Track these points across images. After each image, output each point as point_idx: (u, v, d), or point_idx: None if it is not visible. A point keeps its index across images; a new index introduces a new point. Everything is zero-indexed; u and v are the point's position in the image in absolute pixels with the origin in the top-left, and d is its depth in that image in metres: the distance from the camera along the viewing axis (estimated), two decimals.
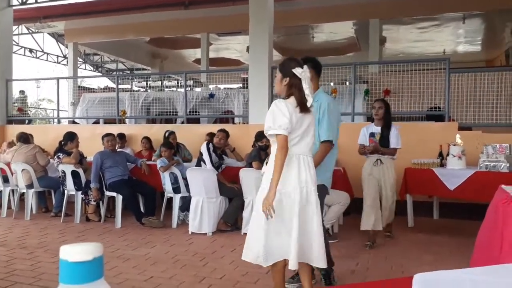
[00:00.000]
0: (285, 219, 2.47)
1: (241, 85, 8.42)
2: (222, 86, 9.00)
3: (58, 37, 13.88)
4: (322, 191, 2.95)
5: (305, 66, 2.54)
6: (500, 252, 2.25)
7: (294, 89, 2.52)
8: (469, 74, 6.57)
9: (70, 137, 5.89)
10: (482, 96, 6.32)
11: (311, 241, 2.52)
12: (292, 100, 2.51)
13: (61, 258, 0.55)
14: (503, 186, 2.74)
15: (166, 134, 6.59)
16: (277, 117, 2.46)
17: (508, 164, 4.57)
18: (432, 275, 1.17)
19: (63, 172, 5.72)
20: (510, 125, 6.12)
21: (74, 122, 9.39)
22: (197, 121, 8.26)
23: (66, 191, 5.73)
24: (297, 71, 2.51)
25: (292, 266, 2.44)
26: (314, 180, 2.56)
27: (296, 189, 2.47)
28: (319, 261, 2.53)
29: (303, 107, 2.51)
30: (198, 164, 5.25)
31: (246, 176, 4.85)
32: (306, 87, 2.51)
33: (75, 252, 0.54)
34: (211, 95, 8.00)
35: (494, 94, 6.26)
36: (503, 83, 6.24)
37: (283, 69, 2.57)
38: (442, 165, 5.13)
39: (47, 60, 16.14)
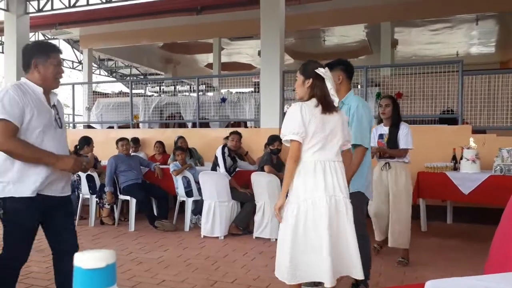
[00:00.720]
0: (313, 233, 2.32)
1: (252, 89, 8.45)
2: (234, 91, 9.04)
3: (73, 43, 14.11)
4: (357, 198, 2.82)
5: (326, 68, 2.50)
6: None
7: (316, 89, 2.44)
8: (483, 76, 6.48)
9: (86, 141, 5.99)
10: (497, 98, 6.22)
11: (347, 254, 2.36)
12: (312, 101, 2.42)
13: (75, 265, 0.57)
14: None
15: (176, 139, 6.68)
16: (288, 121, 2.39)
17: None
18: (443, 282, 1.16)
19: (78, 176, 5.81)
20: None
21: (89, 127, 9.54)
22: (207, 125, 8.32)
23: (81, 195, 5.83)
24: (320, 71, 2.44)
25: (329, 284, 2.28)
26: (343, 187, 2.41)
27: (323, 198, 2.32)
28: (358, 273, 2.38)
29: (326, 107, 2.40)
30: (214, 168, 5.30)
31: (258, 180, 4.87)
32: (330, 86, 2.44)
33: (88, 259, 0.57)
34: (223, 100, 8.05)
35: (509, 96, 6.17)
36: None
37: (304, 71, 2.50)
38: (456, 168, 5.08)
39: (62, 66, 16.40)
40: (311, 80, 2.45)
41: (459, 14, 9.38)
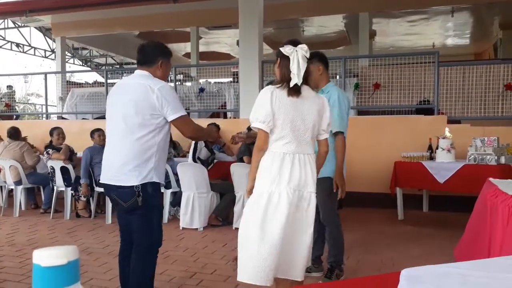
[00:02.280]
0: (269, 225, 2.18)
1: (231, 79, 8.37)
2: (212, 81, 8.94)
3: (46, 31, 13.66)
4: (326, 184, 2.97)
5: (300, 46, 2.26)
6: (489, 244, 2.27)
7: (284, 69, 2.26)
8: (458, 68, 6.60)
9: (50, 132, 5.91)
10: (471, 89, 6.35)
11: (297, 253, 2.24)
12: (284, 85, 2.25)
13: (34, 263, 0.52)
14: (490, 179, 2.77)
15: None
16: (256, 108, 2.23)
17: (496, 157, 4.62)
18: (419, 270, 1.17)
19: (52, 168, 5.66)
20: (498, 118, 6.18)
21: (62, 118, 9.28)
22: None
23: (55, 187, 5.68)
24: (285, 49, 2.25)
25: (263, 282, 2.15)
26: (311, 182, 2.26)
27: (283, 192, 2.18)
28: (298, 275, 2.27)
29: (290, 90, 2.22)
30: (194, 160, 5.24)
31: (237, 171, 4.84)
32: (294, 67, 2.21)
33: (48, 256, 0.51)
34: (202, 90, 7.95)
35: (483, 87, 6.30)
36: (491, 76, 6.28)
37: (277, 52, 2.33)
38: (432, 158, 5.17)
39: (34, 54, 15.91)
40: (279, 59, 2.31)
41: (435, 6, 9.50)
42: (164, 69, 2.59)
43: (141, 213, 2.44)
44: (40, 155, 6.20)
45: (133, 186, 2.38)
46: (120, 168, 2.41)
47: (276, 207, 2.19)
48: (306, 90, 2.28)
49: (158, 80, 2.48)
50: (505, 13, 10.73)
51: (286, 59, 2.26)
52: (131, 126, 2.40)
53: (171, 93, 2.46)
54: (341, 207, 5.33)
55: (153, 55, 2.56)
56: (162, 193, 5.20)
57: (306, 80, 2.27)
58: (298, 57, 2.22)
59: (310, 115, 2.27)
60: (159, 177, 2.49)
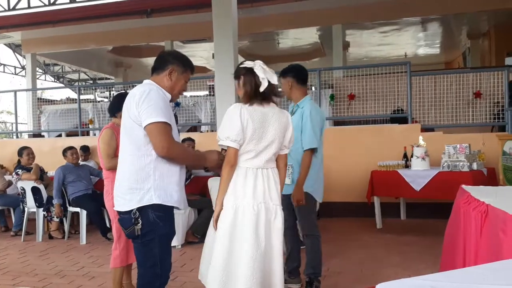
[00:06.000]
0: (240, 243, 2.19)
1: (207, 92, 8.34)
2: (188, 94, 8.88)
3: (15, 47, 13.35)
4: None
5: (257, 61, 2.32)
6: (463, 251, 2.29)
7: (246, 84, 2.26)
8: (429, 77, 6.76)
9: (19, 152, 5.70)
10: (442, 97, 6.51)
11: (270, 266, 2.23)
12: (251, 101, 2.26)
13: None
14: (463, 186, 2.80)
15: None
16: (225, 125, 2.23)
17: (468, 163, 4.71)
18: (392, 284, 1.16)
19: (23, 189, 5.47)
20: (469, 125, 6.33)
21: (35, 136, 9.02)
22: None
23: (26, 209, 5.48)
24: (247, 63, 2.30)
25: None
26: (274, 194, 2.28)
27: (249, 205, 2.20)
28: (277, 285, 2.25)
29: (256, 99, 2.23)
30: None
31: (215, 186, 4.76)
32: (260, 72, 2.23)
33: None
34: (177, 104, 7.88)
35: (454, 95, 6.46)
36: (461, 85, 6.45)
37: (235, 74, 2.35)
38: (407, 166, 5.23)
39: (4, 71, 15.53)
40: (242, 77, 2.30)
41: (406, 17, 9.76)
42: (175, 79, 2.20)
43: (140, 243, 2.13)
44: (10, 175, 5.99)
45: (130, 211, 2.07)
46: (116, 189, 2.15)
47: (242, 222, 2.19)
48: (270, 106, 2.30)
49: (151, 86, 2.11)
50: (472, 24, 11.13)
51: (248, 73, 2.27)
52: (124, 141, 2.15)
53: (155, 99, 2.04)
54: (319, 218, 5.35)
55: (163, 61, 2.21)
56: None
57: (270, 97, 2.28)
58: (260, 65, 2.27)
59: (274, 130, 2.28)
60: (164, 198, 2.09)
